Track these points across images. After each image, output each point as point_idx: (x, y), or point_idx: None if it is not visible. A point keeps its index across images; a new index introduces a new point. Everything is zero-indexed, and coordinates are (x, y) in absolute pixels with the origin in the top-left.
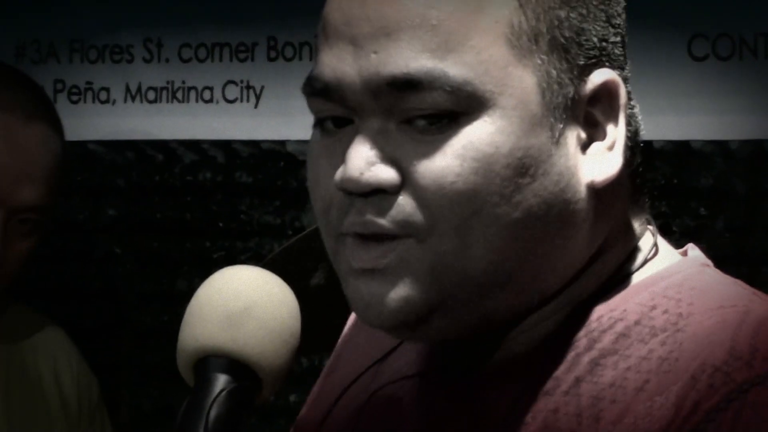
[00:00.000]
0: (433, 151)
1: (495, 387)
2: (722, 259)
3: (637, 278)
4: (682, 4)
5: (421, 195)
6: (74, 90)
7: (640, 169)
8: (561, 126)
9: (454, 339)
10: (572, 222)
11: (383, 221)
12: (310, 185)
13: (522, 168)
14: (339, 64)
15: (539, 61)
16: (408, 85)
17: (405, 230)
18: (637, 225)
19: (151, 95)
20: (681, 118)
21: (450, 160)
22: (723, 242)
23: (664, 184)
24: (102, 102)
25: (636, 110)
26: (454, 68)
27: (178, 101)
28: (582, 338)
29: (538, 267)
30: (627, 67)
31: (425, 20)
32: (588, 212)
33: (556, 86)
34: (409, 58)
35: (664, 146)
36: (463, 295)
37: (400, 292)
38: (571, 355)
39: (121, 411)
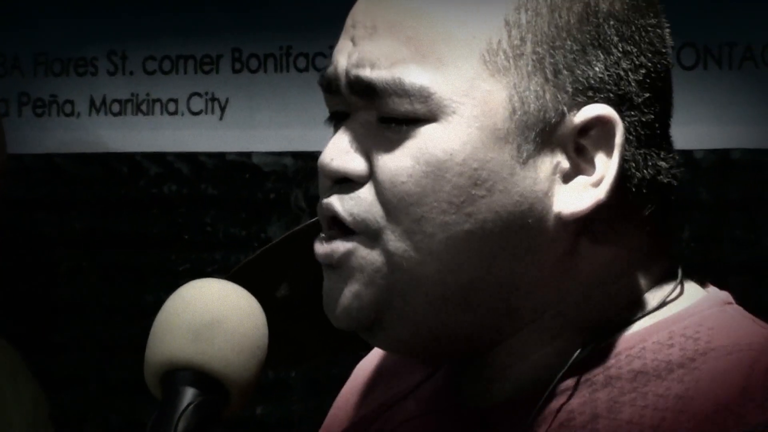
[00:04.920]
0: (394, 149)
1: (509, 419)
2: (687, 269)
3: (657, 317)
4: None
5: (379, 190)
6: (39, 103)
7: (660, 212)
8: (532, 148)
9: (429, 351)
10: (538, 247)
11: (342, 211)
12: None
13: (477, 179)
14: (338, 55)
15: (516, 80)
16: (369, 88)
17: (358, 226)
18: (656, 264)
19: (116, 108)
20: None
21: (405, 160)
22: (689, 252)
23: None
24: (66, 115)
25: (662, 154)
26: (411, 76)
27: (143, 114)
28: (599, 375)
29: (498, 286)
30: (651, 110)
31: (402, 28)
32: (562, 241)
33: (532, 108)
34: (375, 64)
35: None
36: (414, 301)
37: (352, 288)
38: (587, 391)
39: (87, 425)
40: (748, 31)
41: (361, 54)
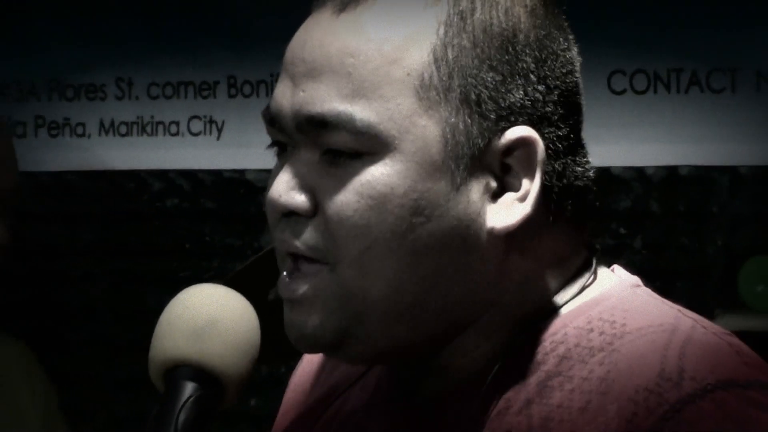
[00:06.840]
0: (339, 185)
1: (452, 409)
2: (640, 274)
3: (574, 304)
4: (601, 43)
5: (327, 224)
6: (53, 125)
7: (577, 212)
8: (464, 174)
9: (385, 361)
10: (474, 261)
11: (297, 243)
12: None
13: (417, 209)
14: (281, 97)
15: (446, 114)
16: (321, 124)
17: (316, 254)
18: (575, 257)
19: (123, 129)
20: (602, 146)
21: (350, 195)
22: (641, 259)
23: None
24: (78, 136)
25: (577, 160)
26: (361, 113)
27: (148, 135)
28: (528, 362)
29: (441, 299)
30: (566, 124)
31: (343, 67)
32: (495, 253)
33: (462, 138)
34: (325, 100)
35: None
36: (370, 322)
37: (314, 320)
38: (519, 377)
39: (97, 417)
40: (694, 58)
41: (307, 92)
